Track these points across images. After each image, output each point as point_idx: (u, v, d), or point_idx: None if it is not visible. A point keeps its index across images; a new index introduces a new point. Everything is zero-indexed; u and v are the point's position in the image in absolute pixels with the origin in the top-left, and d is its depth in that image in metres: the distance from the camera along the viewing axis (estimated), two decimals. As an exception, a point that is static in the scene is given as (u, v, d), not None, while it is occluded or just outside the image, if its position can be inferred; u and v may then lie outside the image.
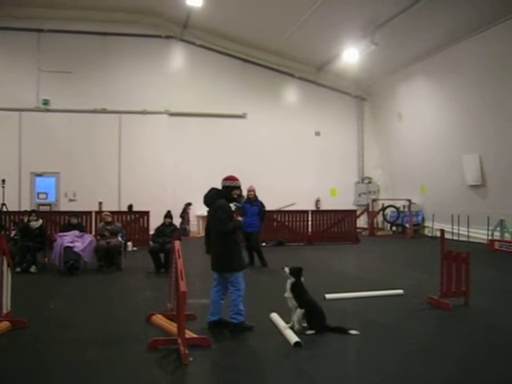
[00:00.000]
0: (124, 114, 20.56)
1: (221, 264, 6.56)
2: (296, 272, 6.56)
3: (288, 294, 6.49)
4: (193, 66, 21.55)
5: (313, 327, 6.36)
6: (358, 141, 23.72)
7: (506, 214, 15.55)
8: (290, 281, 6.55)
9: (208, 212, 6.87)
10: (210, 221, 6.77)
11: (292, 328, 6.32)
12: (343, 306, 7.26)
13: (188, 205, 19.70)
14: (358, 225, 19.27)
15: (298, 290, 6.47)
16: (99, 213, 16.02)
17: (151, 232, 13.39)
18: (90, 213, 16.06)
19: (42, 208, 18.36)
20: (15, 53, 19.86)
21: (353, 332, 6.30)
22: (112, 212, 13.58)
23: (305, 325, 6.47)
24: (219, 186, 6.77)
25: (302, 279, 6.57)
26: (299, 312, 6.39)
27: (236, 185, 6.75)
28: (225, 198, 6.64)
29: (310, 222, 17.79)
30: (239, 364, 5.37)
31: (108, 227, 11.96)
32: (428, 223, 19.89)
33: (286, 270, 6.61)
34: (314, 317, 6.41)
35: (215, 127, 21.42)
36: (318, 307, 6.53)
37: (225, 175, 6.87)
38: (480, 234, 16.74)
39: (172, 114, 21.10)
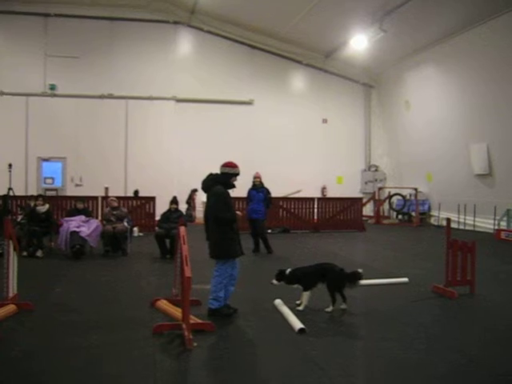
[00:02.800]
0: (130, 99, 20.52)
1: (212, 250, 6.57)
2: (280, 276, 7.01)
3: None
4: (200, 52, 21.44)
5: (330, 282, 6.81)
6: (365, 128, 23.61)
7: (512, 203, 15.49)
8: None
9: (207, 198, 6.82)
10: (207, 207, 6.74)
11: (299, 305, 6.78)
12: (348, 294, 7.24)
13: (194, 191, 19.68)
14: (364, 213, 19.27)
15: (297, 279, 6.90)
16: (105, 198, 16.08)
17: (157, 218, 13.43)
18: (96, 198, 16.13)
19: (48, 193, 18.46)
20: (22, 37, 19.81)
21: (359, 270, 6.93)
22: (118, 197, 13.59)
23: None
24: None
25: (288, 270, 6.98)
26: (306, 295, 6.79)
27: (235, 172, 6.64)
28: (222, 184, 6.56)
29: (315, 210, 17.78)
30: (243, 350, 5.40)
31: (114, 212, 11.99)
32: (434, 212, 19.81)
33: (275, 282, 7.06)
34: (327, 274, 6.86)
35: (222, 113, 21.35)
36: (324, 266, 7.01)
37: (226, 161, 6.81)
38: (486, 224, 16.69)
39: (179, 100, 21.04)
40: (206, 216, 6.77)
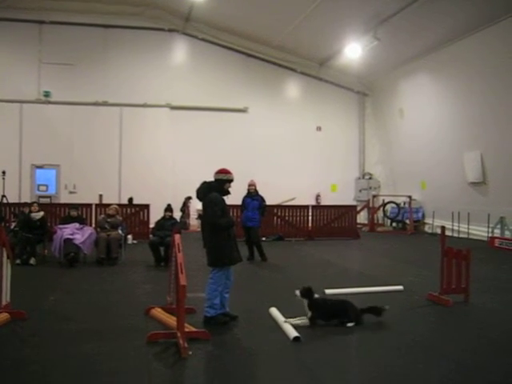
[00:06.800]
0: (125, 106, 20.55)
1: (209, 257, 6.53)
2: (307, 293, 6.51)
3: (310, 315, 6.44)
4: (195, 60, 21.50)
5: (351, 320, 6.45)
6: (359, 136, 23.70)
7: (506, 211, 15.51)
8: (305, 302, 6.48)
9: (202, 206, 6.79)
10: (203, 215, 6.72)
11: (294, 323, 6.32)
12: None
13: (188, 198, 19.62)
14: (358, 220, 19.28)
15: (316, 307, 6.45)
16: (99, 205, 16.04)
17: (151, 225, 13.37)
18: (90, 205, 16.04)
19: (42, 200, 18.37)
20: (16, 44, 19.82)
21: (387, 307, 6.67)
22: (111, 204, 13.47)
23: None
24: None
25: (316, 295, 6.55)
26: (305, 321, 6.42)
27: (228, 178, 6.63)
28: (217, 191, 6.55)
29: (310, 217, 17.76)
30: (238, 358, 5.36)
31: (109, 220, 11.94)
32: (428, 220, 19.86)
33: (297, 293, 6.54)
34: (348, 311, 6.51)
35: (216, 121, 21.39)
36: (346, 303, 6.60)
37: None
38: (480, 232, 16.72)
39: (173, 108, 21.08)
40: (202, 224, 6.75)
